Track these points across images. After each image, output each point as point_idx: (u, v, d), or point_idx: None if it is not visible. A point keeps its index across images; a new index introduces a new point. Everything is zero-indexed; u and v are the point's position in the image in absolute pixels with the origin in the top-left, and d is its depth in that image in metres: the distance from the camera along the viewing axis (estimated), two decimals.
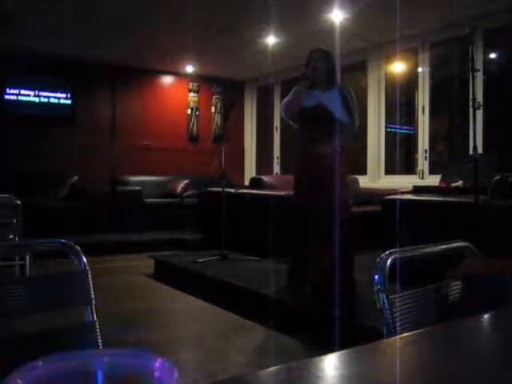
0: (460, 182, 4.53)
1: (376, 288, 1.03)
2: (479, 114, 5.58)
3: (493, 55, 6.27)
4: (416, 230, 3.68)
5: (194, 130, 9.07)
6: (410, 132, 7.06)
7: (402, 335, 0.93)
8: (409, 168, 7.05)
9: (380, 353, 0.80)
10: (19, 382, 0.38)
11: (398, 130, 7.19)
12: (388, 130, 7.16)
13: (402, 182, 6.03)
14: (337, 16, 5.82)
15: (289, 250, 3.88)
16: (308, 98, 3.54)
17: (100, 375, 0.43)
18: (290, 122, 3.71)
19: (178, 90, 8.99)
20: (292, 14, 5.77)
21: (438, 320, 1.08)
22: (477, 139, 3.68)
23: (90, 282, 1.21)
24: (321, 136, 3.51)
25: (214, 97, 9.27)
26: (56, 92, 7.89)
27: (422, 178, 6.58)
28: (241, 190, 6.23)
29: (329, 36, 6.20)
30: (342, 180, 3.53)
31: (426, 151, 6.63)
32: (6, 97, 7.58)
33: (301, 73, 3.65)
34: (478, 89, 5.12)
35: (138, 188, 7.75)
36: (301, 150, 3.66)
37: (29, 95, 7.73)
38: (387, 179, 7.07)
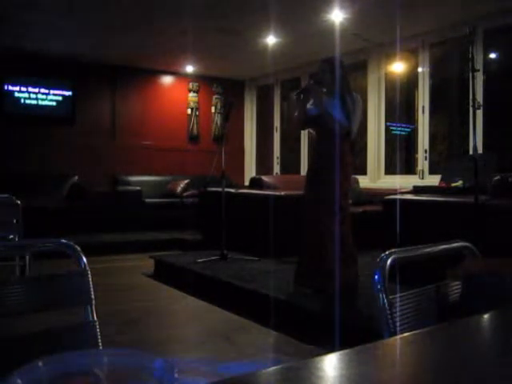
0: (460, 182, 4.54)
1: (376, 288, 1.03)
2: (479, 114, 5.59)
3: (493, 55, 6.27)
4: (416, 230, 3.69)
5: (194, 130, 9.07)
6: (410, 129, 7.06)
7: (402, 335, 0.93)
8: (409, 168, 7.05)
9: (380, 353, 0.80)
10: (19, 381, 0.38)
11: (399, 132, 7.18)
12: (393, 132, 7.16)
13: (402, 182, 6.03)
14: (337, 16, 5.81)
15: (295, 250, 3.91)
16: (313, 107, 3.70)
17: (100, 375, 0.43)
18: (305, 129, 3.94)
19: (177, 90, 8.98)
20: (292, 13, 5.77)
21: (438, 320, 1.08)
22: (477, 139, 3.69)
23: (90, 282, 1.21)
24: (327, 143, 3.62)
25: (214, 97, 9.27)
26: (56, 92, 7.89)
27: (422, 178, 6.57)
28: (241, 190, 6.23)
29: (329, 36, 6.21)
30: (346, 175, 3.65)
31: (426, 151, 6.63)
32: (6, 97, 7.58)
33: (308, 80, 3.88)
34: (477, 89, 5.12)
35: (137, 188, 7.75)
36: (313, 156, 3.90)
37: (29, 95, 7.73)
38: (387, 179, 7.06)
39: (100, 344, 1.16)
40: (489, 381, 0.69)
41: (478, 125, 4.14)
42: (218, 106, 9.28)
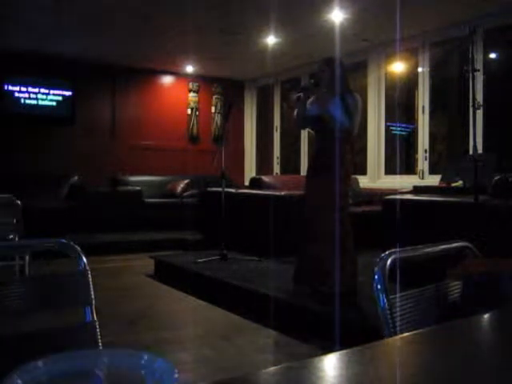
0: (460, 182, 4.53)
1: (376, 288, 1.03)
2: (479, 114, 5.58)
3: (493, 55, 6.27)
4: (416, 230, 3.69)
5: (194, 130, 9.07)
6: (410, 129, 7.06)
7: (402, 335, 0.93)
8: (409, 168, 7.05)
9: (380, 353, 0.80)
10: (19, 381, 0.38)
11: (399, 132, 7.18)
12: (393, 132, 7.16)
13: (402, 182, 6.03)
14: (337, 16, 5.81)
15: (295, 250, 3.91)
16: (313, 107, 3.70)
17: (100, 375, 0.43)
18: (306, 129, 3.96)
19: (178, 90, 8.98)
20: (292, 14, 5.77)
21: (438, 320, 1.08)
22: (477, 139, 3.69)
23: (90, 282, 1.21)
24: (327, 143, 3.61)
25: (214, 97, 9.27)
26: (56, 92, 7.89)
27: (422, 178, 6.57)
28: (241, 190, 6.23)
29: (329, 36, 6.20)
30: (345, 174, 3.64)
31: (426, 151, 6.63)
32: (6, 97, 7.58)
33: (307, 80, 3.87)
34: (477, 89, 5.13)
35: (137, 188, 7.74)
36: (313, 155, 3.89)
37: (29, 95, 7.73)
38: (387, 179, 7.06)
39: (100, 344, 1.16)
40: (489, 381, 0.69)
41: (478, 125, 4.14)
42: (218, 106, 9.28)
